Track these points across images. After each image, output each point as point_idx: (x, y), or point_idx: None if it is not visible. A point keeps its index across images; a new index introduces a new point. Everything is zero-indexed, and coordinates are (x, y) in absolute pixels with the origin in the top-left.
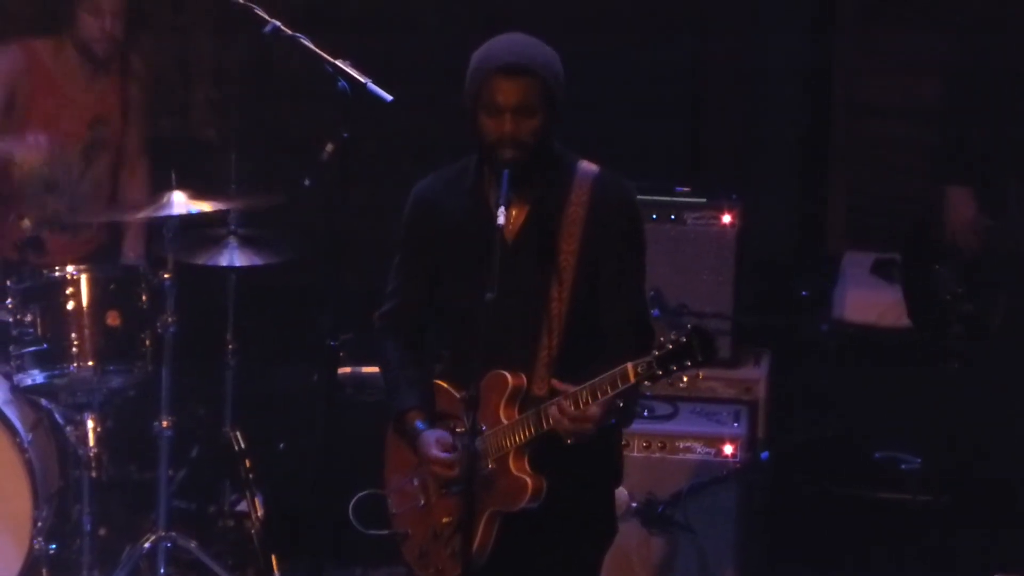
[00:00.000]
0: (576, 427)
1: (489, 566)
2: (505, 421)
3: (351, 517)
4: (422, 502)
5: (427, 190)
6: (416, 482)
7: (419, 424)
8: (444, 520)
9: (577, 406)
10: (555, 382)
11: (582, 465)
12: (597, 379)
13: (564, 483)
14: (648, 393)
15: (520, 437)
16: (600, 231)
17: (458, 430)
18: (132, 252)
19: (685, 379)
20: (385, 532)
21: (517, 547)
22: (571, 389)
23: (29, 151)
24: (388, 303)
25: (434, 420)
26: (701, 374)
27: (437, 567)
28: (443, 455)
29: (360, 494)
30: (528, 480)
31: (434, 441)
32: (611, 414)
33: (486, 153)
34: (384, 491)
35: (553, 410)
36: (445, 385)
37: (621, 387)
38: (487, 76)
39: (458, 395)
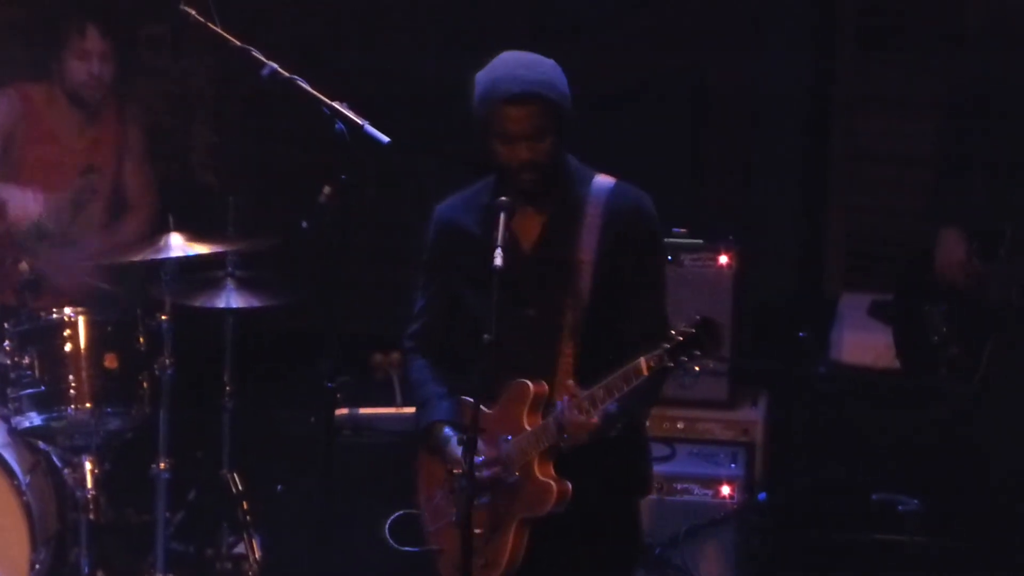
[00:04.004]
0: (576, 436)
1: None
2: (528, 428)
3: (386, 536)
4: (453, 516)
5: (448, 210)
6: (447, 496)
7: (447, 431)
8: (475, 531)
9: (594, 404)
10: (571, 386)
11: (607, 474)
12: (611, 377)
13: (589, 492)
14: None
15: (542, 444)
16: (615, 241)
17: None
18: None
19: (681, 424)
20: (418, 549)
21: (545, 559)
22: (584, 392)
23: (24, 205)
24: (414, 324)
25: (462, 432)
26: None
27: None
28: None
29: (396, 514)
30: (553, 484)
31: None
32: (611, 422)
33: (504, 176)
34: (419, 510)
35: (559, 417)
36: (470, 401)
37: (635, 382)
38: (496, 107)
39: (484, 410)
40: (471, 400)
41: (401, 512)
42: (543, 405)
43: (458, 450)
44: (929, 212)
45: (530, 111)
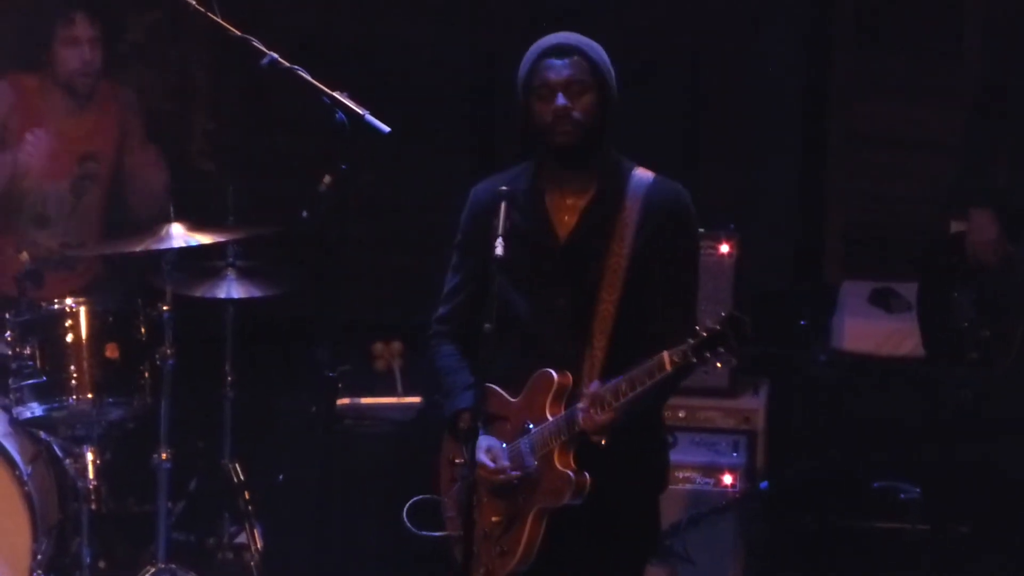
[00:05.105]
0: (595, 430)
1: (534, 568)
2: (551, 418)
3: (404, 520)
4: (473, 503)
5: (484, 192)
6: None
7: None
8: (493, 519)
9: (616, 397)
10: (594, 384)
11: (627, 469)
12: (635, 370)
13: (609, 486)
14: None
15: (562, 435)
16: (652, 235)
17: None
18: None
19: (682, 413)
20: (436, 534)
21: (561, 550)
22: (606, 385)
23: (31, 151)
24: (444, 306)
25: (486, 423)
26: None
27: (487, 567)
28: (492, 464)
29: (415, 498)
30: (571, 475)
31: (485, 449)
32: (628, 415)
33: (541, 140)
34: (439, 496)
35: (579, 412)
36: (496, 388)
37: (658, 376)
38: (536, 60)
39: (510, 398)
40: (497, 388)
41: (419, 497)
42: (567, 395)
43: (480, 453)
44: (951, 198)
45: (569, 61)
